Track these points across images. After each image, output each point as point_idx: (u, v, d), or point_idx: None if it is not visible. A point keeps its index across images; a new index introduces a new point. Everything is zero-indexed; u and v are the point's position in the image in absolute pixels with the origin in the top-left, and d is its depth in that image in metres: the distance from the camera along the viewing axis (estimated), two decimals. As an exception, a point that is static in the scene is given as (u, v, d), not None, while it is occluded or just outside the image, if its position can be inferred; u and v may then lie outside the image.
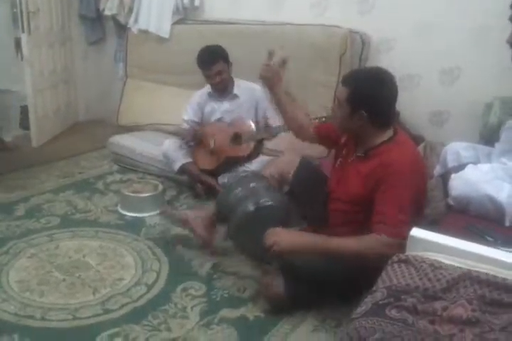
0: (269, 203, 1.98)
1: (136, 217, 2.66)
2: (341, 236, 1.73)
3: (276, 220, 1.92)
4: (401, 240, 1.49)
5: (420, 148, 2.55)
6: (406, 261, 1.26)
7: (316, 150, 2.52)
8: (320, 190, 1.96)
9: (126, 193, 2.72)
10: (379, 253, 1.57)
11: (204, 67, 2.86)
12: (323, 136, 2.06)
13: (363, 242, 1.66)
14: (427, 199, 1.88)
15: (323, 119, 2.19)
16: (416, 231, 1.30)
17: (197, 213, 2.27)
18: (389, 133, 1.77)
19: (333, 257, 1.71)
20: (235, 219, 2.02)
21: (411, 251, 1.30)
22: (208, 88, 3.01)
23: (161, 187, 2.84)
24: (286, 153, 2.34)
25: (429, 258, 1.25)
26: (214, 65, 2.82)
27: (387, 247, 1.57)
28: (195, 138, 2.97)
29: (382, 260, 1.45)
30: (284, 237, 1.77)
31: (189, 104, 3.06)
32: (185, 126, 3.03)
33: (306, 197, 2.01)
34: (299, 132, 2.13)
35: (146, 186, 2.86)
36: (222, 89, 2.94)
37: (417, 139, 2.84)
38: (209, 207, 2.30)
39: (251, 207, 1.97)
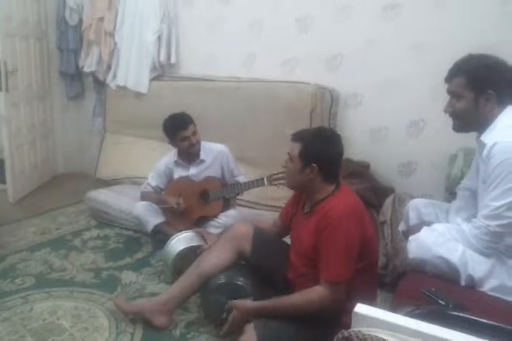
0: (240, 283, 2.05)
1: (111, 274, 2.65)
2: None
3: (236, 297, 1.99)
4: (339, 287, 1.73)
5: (390, 199, 2.62)
6: (349, 339, 1.29)
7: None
8: (279, 256, 2.06)
9: None
10: (319, 305, 1.74)
11: (181, 128, 2.80)
12: (288, 218, 2.12)
13: (304, 296, 1.78)
14: (376, 242, 2.01)
15: (280, 175, 2.42)
16: (360, 308, 1.33)
17: (149, 303, 2.20)
18: (332, 187, 1.88)
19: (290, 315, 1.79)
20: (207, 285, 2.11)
21: (355, 327, 1.33)
22: (173, 156, 2.95)
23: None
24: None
25: (370, 334, 1.27)
26: (189, 126, 2.80)
27: (325, 297, 1.73)
28: (160, 203, 2.92)
29: (328, 310, 1.70)
30: (240, 308, 1.90)
31: (155, 170, 2.99)
32: (149, 188, 3.00)
33: (269, 266, 2.07)
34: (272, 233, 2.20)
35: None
36: (195, 152, 2.88)
37: (388, 191, 2.92)
38: (161, 296, 2.20)
39: (222, 280, 2.07)
